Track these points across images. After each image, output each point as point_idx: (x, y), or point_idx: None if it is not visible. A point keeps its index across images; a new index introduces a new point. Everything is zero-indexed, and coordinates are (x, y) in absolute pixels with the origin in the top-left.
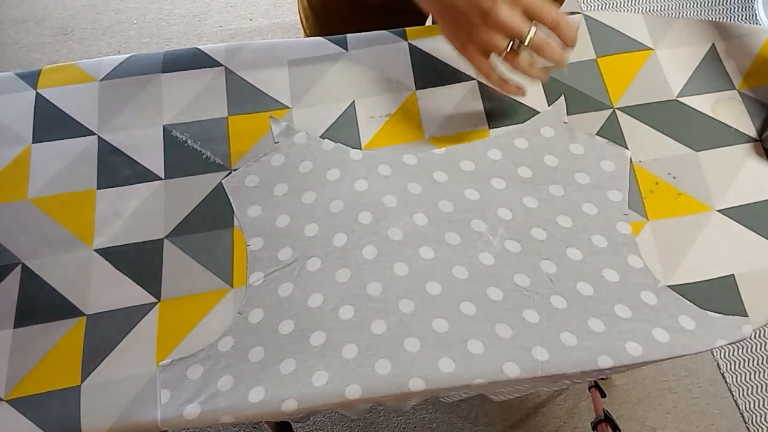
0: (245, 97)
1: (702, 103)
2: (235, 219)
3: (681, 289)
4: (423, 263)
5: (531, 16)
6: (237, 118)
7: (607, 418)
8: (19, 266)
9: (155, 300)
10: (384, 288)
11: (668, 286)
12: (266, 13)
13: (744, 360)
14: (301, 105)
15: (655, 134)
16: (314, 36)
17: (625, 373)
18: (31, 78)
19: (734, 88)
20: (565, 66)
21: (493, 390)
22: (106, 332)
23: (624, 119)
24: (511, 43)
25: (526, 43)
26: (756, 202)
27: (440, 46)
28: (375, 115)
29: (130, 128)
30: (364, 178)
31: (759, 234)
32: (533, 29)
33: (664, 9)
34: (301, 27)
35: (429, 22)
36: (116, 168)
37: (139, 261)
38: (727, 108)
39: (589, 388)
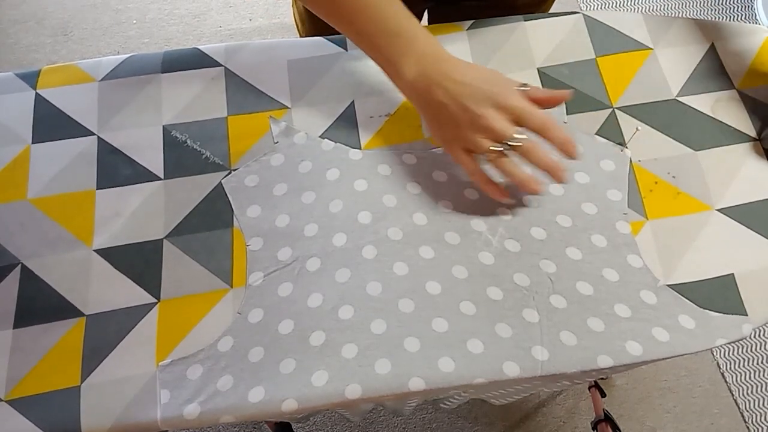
0: (245, 97)
1: (701, 102)
2: (234, 219)
3: (681, 289)
4: (423, 263)
5: (518, 122)
6: (237, 118)
7: (607, 418)
8: (19, 266)
9: (155, 300)
10: (384, 288)
11: (668, 286)
12: (266, 13)
13: (744, 360)
14: (301, 105)
15: (655, 134)
16: (310, 37)
17: (625, 373)
18: (31, 78)
19: (734, 88)
20: (562, 178)
21: (492, 391)
22: (106, 332)
23: (623, 119)
24: (495, 146)
25: (510, 146)
26: (756, 202)
27: None
28: (375, 115)
29: (129, 128)
30: (363, 177)
31: (759, 233)
32: (519, 135)
33: (664, 9)
34: (296, 30)
35: (424, 22)
36: (116, 168)
37: (139, 261)
38: (726, 107)
39: (589, 388)
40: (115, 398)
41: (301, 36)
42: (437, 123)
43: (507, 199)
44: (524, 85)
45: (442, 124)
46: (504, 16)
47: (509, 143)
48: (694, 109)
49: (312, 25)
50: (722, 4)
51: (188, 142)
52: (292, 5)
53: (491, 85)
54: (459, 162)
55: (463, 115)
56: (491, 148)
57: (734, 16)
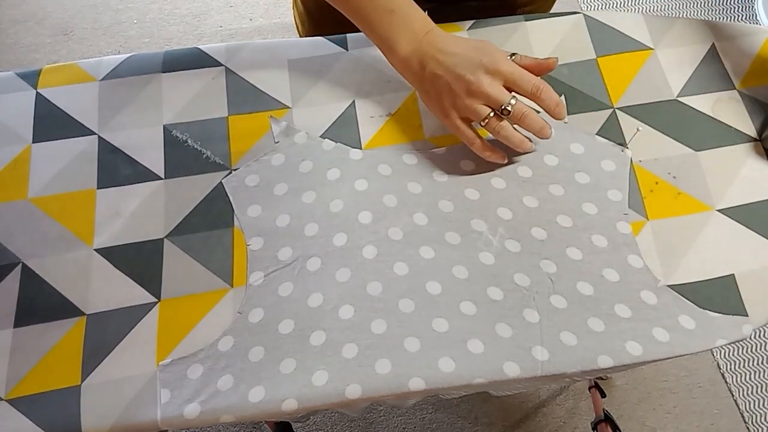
0: (245, 96)
1: (702, 102)
2: (235, 219)
3: (681, 289)
4: (423, 263)
5: (511, 87)
6: (237, 118)
7: (607, 418)
8: (19, 266)
9: (155, 300)
10: (384, 287)
11: (668, 286)
12: (266, 13)
13: (744, 360)
14: (301, 105)
15: (655, 134)
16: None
17: (625, 373)
18: (31, 78)
19: (734, 88)
20: (549, 136)
21: (493, 388)
22: (106, 332)
23: (624, 119)
24: (491, 111)
25: (506, 111)
26: (756, 202)
27: None
28: (375, 114)
29: (130, 128)
30: (364, 177)
31: (759, 234)
32: (513, 99)
33: (664, 9)
34: (296, 31)
35: None
36: (116, 168)
37: (139, 261)
38: (727, 108)
39: (589, 388)
40: (115, 398)
41: (300, 36)
42: (434, 95)
43: (504, 158)
44: (513, 54)
45: (439, 96)
46: (502, 16)
47: (505, 107)
48: (695, 109)
49: (312, 25)
50: (722, 4)
51: (189, 141)
52: (292, 6)
53: (482, 54)
54: (457, 131)
55: (457, 83)
56: (489, 114)
57: (734, 16)
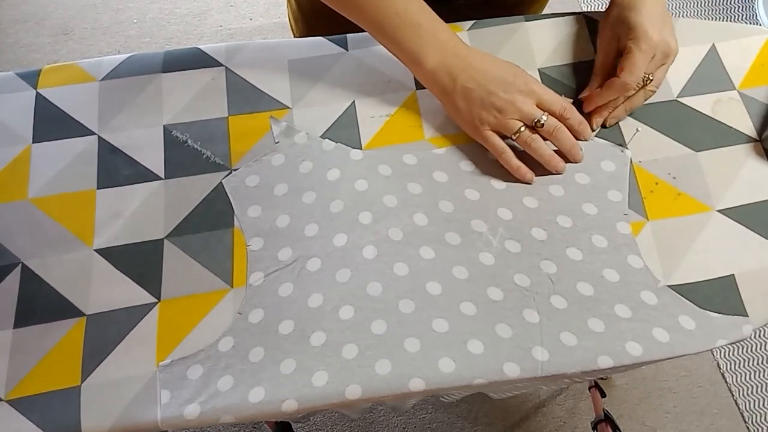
0: (245, 97)
1: (702, 103)
2: (235, 219)
3: (681, 289)
4: (423, 263)
5: (542, 106)
6: (237, 118)
7: (607, 418)
8: (19, 266)
9: (155, 300)
10: (384, 288)
11: (668, 286)
12: (266, 12)
13: (744, 360)
14: (301, 105)
15: (655, 134)
16: (303, 37)
17: (625, 373)
18: (31, 78)
19: (734, 89)
20: (579, 158)
21: (493, 389)
22: (106, 332)
23: (624, 120)
24: (523, 125)
25: (540, 124)
26: (756, 202)
27: None
28: (375, 115)
29: (130, 128)
30: (364, 178)
31: (759, 234)
32: (545, 115)
33: None
34: (290, 29)
35: None
36: (116, 168)
37: (139, 261)
38: (727, 108)
39: (589, 388)
40: (115, 398)
41: (295, 35)
42: (465, 108)
43: (531, 176)
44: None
45: (470, 109)
46: (496, 15)
47: (536, 123)
48: (695, 109)
49: (305, 24)
50: (722, 4)
51: (189, 141)
52: (287, 4)
53: (514, 73)
54: (486, 142)
55: (490, 98)
56: (520, 128)
57: (734, 17)
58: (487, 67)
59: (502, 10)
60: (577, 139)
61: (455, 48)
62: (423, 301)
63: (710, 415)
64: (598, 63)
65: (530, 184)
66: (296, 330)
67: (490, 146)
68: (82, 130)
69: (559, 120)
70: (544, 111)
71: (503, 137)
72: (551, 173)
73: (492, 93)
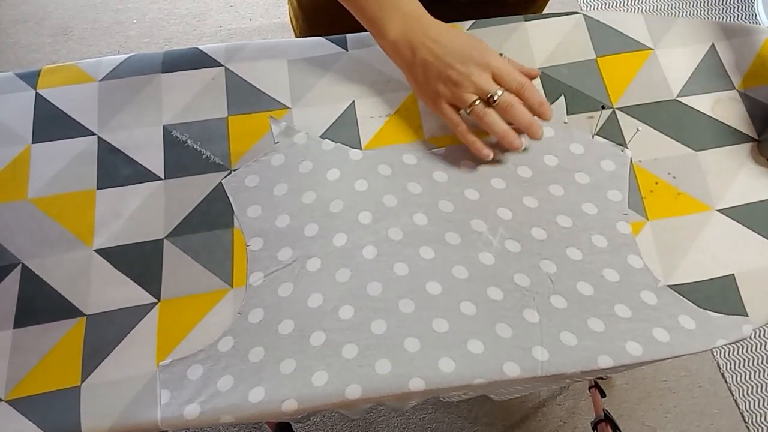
0: (245, 97)
1: (702, 103)
2: (235, 219)
3: (681, 289)
4: (423, 263)
5: (499, 81)
6: (237, 118)
7: (607, 418)
8: (19, 266)
9: (155, 300)
10: (384, 288)
11: (668, 286)
12: (266, 12)
13: (744, 360)
14: (301, 105)
15: (655, 134)
16: (305, 36)
17: (625, 373)
18: (31, 78)
19: (734, 88)
20: (539, 135)
21: (493, 390)
22: (106, 332)
23: (624, 119)
24: (477, 99)
25: (493, 99)
26: (756, 202)
27: None
28: (375, 115)
29: (130, 128)
30: (364, 177)
31: (759, 234)
32: (501, 90)
33: (664, 9)
34: (291, 28)
35: None
36: (116, 168)
37: (139, 261)
38: (726, 108)
39: (589, 388)
40: (115, 398)
41: (296, 34)
42: (423, 80)
43: (488, 152)
44: (500, 54)
45: (428, 81)
46: (495, 13)
47: (490, 98)
48: (695, 109)
49: (306, 22)
50: (722, 4)
51: (188, 142)
52: (288, 3)
53: (473, 47)
54: (443, 115)
55: (447, 71)
56: (475, 101)
57: (734, 16)
58: (446, 40)
59: (503, 9)
60: (540, 119)
61: (418, 20)
62: (423, 300)
63: (710, 415)
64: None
65: (487, 160)
66: (296, 330)
67: (447, 120)
68: (82, 131)
69: (516, 95)
70: (501, 87)
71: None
72: (549, 173)
73: (449, 66)
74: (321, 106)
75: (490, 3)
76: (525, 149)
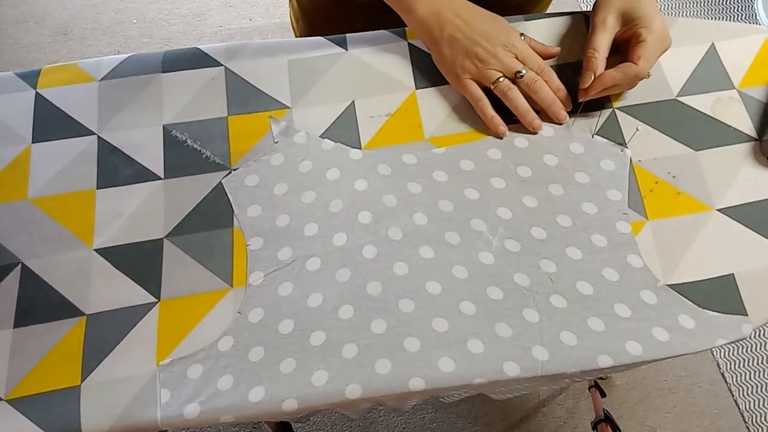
0: (245, 96)
1: (702, 102)
2: (234, 219)
3: (681, 289)
4: (423, 263)
5: (521, 61)
6: (237, 118)
7: (607, 418)
8: (19, 266)
9: (155, 300)
10: (384, 287)
11: (668, 286)
12: (266, 13)
13: (744, 360)
14: (301, 105)
15: (655, 134)
16: (305, 36)
17: (625, 373)
18: (31, 78)
19: (734, 88)
20: (561, 116)
21: (493, 389)
22: (106, 332)
23: (624, 119)
24: (502, 76)
25: (519, 75)
26: (756, 202)
27: None
28: (375, 114)
29: (130, 128)
30: (363, 177)
31: (759, 233)
32: (525, 68)
33: (664, 9)
34: (292, 29)
35: None
36: (116, 168)
37: (139, 261)
38: (726, 108)
39: (589, 388)
40: (115, 398)
41: (296, 35)
42: (449, 55)
43: (504, 129)
44: (522, 34)
45: (454, 58)
46: (498, 13)
47: (516, 74)
48: (694, 109)
49: (306, 23)
50: (722, 4)
51: (188, 141)
52: (288, 4)
53: (499, 27)
54: (465, 89)
55: (474, 48)
56: (499, 78)
57: (734, 16)
58: (474, 19)
59: (505, 12)
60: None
61: None
62: (423, 300)
63: (710, 415)
64: (602, 46)
65: (502, 138)
66: (296, 329)
67: (469, 94)
68: (82, 130)
69: (536, 72)
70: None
71: (484, 89)
72: (549, 172)
73: (476, 43)
74: (321, 106)
75: (493, 7)
76: (537, 138)
